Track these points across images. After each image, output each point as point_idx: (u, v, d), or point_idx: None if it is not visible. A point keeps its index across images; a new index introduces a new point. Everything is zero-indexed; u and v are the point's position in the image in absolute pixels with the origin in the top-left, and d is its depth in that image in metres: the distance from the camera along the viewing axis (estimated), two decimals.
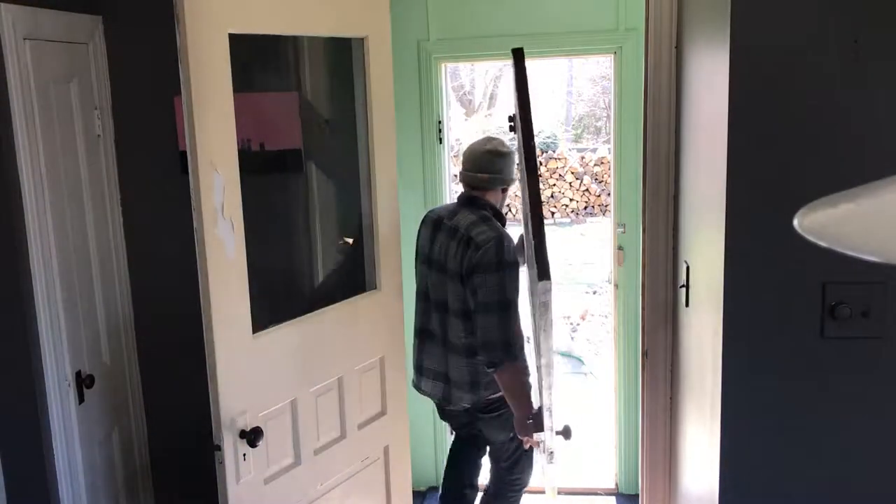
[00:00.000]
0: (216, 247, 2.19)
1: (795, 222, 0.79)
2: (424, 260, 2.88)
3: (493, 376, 2.72)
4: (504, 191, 2.94)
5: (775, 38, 1.86)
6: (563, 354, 6.84)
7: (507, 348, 2.65)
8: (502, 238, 2.71)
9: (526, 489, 3.18)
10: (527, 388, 2.74)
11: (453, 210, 2.91)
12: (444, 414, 3.15)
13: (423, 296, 2.91)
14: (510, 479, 3.09)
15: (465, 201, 2.89)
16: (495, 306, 2.65)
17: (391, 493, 2.97)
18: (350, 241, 3.21)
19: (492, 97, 15.00)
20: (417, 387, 3.06)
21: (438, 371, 2.91)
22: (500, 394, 2.79)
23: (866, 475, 2.00)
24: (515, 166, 2.90)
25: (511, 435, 2.88)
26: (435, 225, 2.89)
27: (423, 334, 2.95)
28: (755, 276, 1.94)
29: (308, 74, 3.14)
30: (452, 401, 2.89)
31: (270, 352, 2.41)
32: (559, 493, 3.94)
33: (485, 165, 2.86)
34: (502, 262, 2.65)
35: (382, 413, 2.88)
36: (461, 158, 2.95)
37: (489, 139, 2.97)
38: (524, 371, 2.75)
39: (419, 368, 3.01)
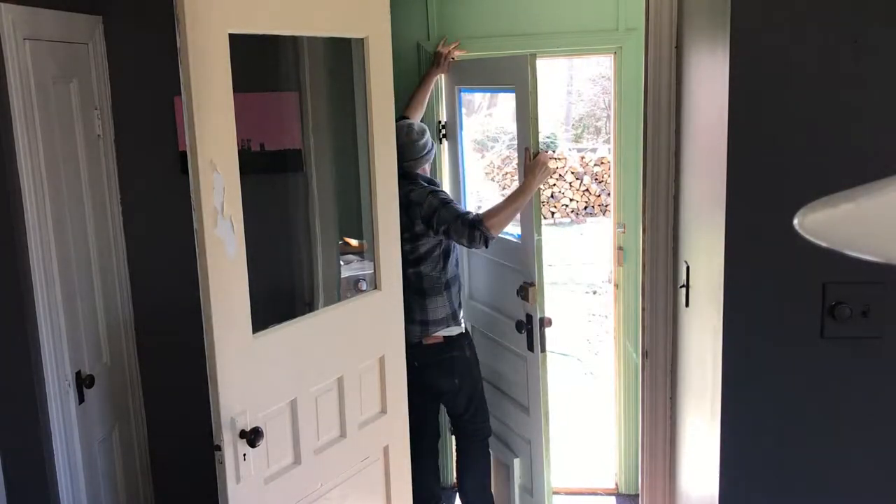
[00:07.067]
0: (216, 247, 2.18)
1: (795, 222, 0.79)
2: None
3: (490, 236, 3.15)
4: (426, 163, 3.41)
5: (775, 38, 1.86)
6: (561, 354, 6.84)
7: (477, 228, 3.10)
8: (434, 189, 3.26)
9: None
10: (510, 203, 3.18)
11: None
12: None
13: None
14: (474, 428, 3.46)
15: (400, 178, 3.29)
16: (458, 221, 3.14)
17: (391, 493, 2.97)
18: (354, 242, 3.24)
19: (492, 97, 14.98)
20: None
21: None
22: (441, 334, 3.31)
23: (867, 475, 2.00)
24: (428, 140, 3.36)
25: (456, 381, 3.35)
26: None
27: None
28: (755, 276, 1.94)
29: (308, 74, 3.14)
30: (410, 336, 3.25)
31: (270, 352, 2.41)
32: (558, 493, 3.94)
33: (412, 153, 3.27)
34: (442, 200, 3.19)
35: (382, 413, 2.88)
36: None
37: (406, 130, 3.27)
38: (496, 215, 3.16)
39: None
